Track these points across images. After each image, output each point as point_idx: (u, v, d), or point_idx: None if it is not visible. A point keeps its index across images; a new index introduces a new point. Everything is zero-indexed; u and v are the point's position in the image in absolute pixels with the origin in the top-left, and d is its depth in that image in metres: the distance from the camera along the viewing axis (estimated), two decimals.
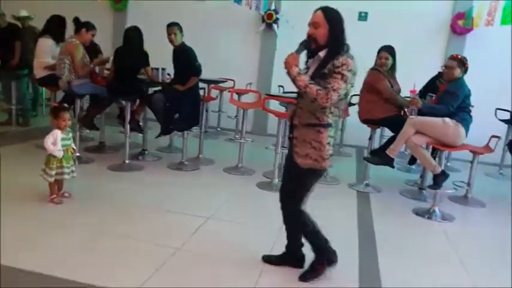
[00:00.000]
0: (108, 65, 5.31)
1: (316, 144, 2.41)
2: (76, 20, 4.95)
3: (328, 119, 2.40)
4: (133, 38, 4.73)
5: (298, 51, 2.42)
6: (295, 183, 2.58)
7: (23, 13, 6.44)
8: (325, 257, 2.67)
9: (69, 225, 3.21)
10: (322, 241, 2.65)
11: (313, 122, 2.42)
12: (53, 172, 3.49)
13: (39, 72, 5.36)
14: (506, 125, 5.74)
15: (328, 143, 2.42)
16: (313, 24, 2.39)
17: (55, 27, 5.41)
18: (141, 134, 5.17)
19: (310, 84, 2.32)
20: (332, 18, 2.37)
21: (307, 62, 2.53)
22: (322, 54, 2.40)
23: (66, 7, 6.63)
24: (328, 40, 2.37)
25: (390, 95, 4.39)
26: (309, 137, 2.43)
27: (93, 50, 5.47)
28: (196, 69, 4.81)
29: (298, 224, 2.66)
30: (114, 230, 3.18)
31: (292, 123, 2.56)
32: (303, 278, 2.66)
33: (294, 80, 2.37)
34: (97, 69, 5.24)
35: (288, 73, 2.38)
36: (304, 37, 2.45)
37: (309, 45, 2.42)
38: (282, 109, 4.97)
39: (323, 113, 2.39)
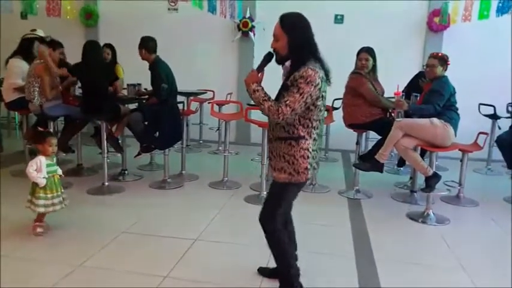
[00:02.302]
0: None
1: (290, 158, 2.29)
2: (41, 40, 4.71)
3: (299, 132, 2.27)
4: (88, 52, 4.50)
5: (260, 67, 2.35)
6: (272, 198, 2.47)
7: (41, 33, 5.73)
8: None
9: (45, 259, 2.98)
10: (292, 270, 2.50)
11: (283, 136, 2.31)
12: (41, 202, 3.25)
13: (8, 95, 5.08)
14: (490, 120, 5.73)
15: (303, 156, 2.28)
16: (273, 36, 2.29)
17: (26, 48, 5.17)
18: (119, 154, 4.95)
19: (264, 101, 2.25)
20: (290, 28, 2.23)
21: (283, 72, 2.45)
22: (288, 64, 2.32)
23: (36, 26, 6.39)
24: (289, 51, 2.25)
25: (374, 99, 4.29)
26: (282, 150, 2.32)
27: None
28: (157, 91, 4.44)
29: (274, 243, 2.50)
30: (95, 261, 2.96)
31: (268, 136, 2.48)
32: None
33: (251, 98, 2.34)
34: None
35: (247, 91, 2.34)
36: None
37: (275, 57, 2.33)
38: (265, 118, 4.81)
39: (292, 125, 2.27)
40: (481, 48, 6.20)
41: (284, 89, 2.25)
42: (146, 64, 4.55)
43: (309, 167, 2.30)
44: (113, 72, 4.62)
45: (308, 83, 2.16)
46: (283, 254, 2.49)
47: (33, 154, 3.45)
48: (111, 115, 4.61)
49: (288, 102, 2.17)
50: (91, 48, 4.54)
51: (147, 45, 4.47)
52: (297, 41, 2.23)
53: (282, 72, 2.46)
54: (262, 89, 2.31)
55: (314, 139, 2.33)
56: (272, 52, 2.34)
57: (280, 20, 2.27)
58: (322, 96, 2.27)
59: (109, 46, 5.65)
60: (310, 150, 2.30)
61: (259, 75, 2.35)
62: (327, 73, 2.30)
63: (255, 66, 2.40)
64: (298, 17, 2.28)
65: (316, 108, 2.27)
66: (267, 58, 2.35)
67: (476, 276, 2.91)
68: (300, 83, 2.16)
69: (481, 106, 5.74)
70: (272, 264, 2.85)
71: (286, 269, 2.50)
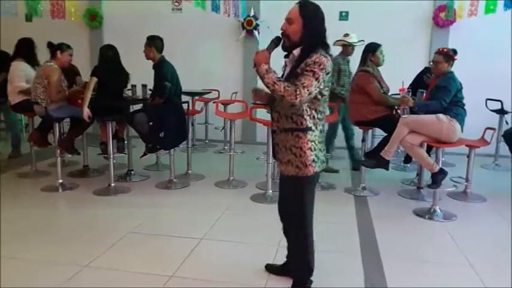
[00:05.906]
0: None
1: (297, 150, 2.25)
2: (50, 45, 4.75)
3: (307, 123, 2.23)
4: (111, 56, 4.65)
5: (269, 49, 2.25)
6: (288, 197, 2.43)
7: (354, 38, 5.27)
8: None
9: (52, 259, 2.99)
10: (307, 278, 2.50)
11: (291, 127, 2.26)
12: None
13: (13, 98, 5.12)
14: (497, 115, 5.67)
15: (310, 148, 2.24)
16: (287, 19, 2.24)
17: (25, 50, 5.20)
18: (123, 154, 4.97)
19: (279, 82, 2.12)
20: (307, 14, 2.20)
21: (285, 62, 2.37)
22: (296, 52, 2.24)
23: (40, 29, 6.44)
24: (301, 37, 2.21)
25: (381, 99, 4.25)
26: (289, 143, 2.28)
27: (71, 71, 5.26)
28: (160, 90, 4.41)
29: (299, 249, 2.49)
30: (102, 262, 2.97)
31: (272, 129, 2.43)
32: None
33: (262, 78, 2.16)
34: None
35: (257, 71, 2.18)
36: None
37: (282, 41, 2.26)
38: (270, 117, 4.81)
39: (301, 116, 2.22)
40: (487, 43, 6.13)
41: (293, 76, 2.17)
42: (150, 65, 4.56)
43: (315, 159, 2.27)
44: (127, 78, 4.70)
45: (322, 69, 2.12)
46: (304, 258, 2.47)
47: None
48: (117, 116, 4.63)
49: (305, 84, 2.09)
50: (110, 52, 4.67)
51: (156, 43, 4.49)
52: (312, 27, 2.20)
53: (283, 63, 2.39)
54: (274, 71, 2.21)
55: (320, 131, 2.31)
56: (280, 36, 2.27)
57: (299, 4, 2.24)
58: (328, 87, 2.25)
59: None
60: (317, 142, 2.28)
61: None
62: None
63: None
64: (317, 6, 2.26)
65: (322, 98, 2.24)
66: (276, 41, 2.27)
67: (484, 273, 2.88)
68: (314, 67, 2.11)
69: (488, 101, 5.69)
70: (278, 261, 2.86)
71: (303, 270, 2.50)
